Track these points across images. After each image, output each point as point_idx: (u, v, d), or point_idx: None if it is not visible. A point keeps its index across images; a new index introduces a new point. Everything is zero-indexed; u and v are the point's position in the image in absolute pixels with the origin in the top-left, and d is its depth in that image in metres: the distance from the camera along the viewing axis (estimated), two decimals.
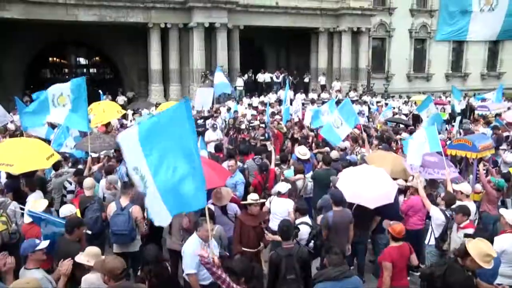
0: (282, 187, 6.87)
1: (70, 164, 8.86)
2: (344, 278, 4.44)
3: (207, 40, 23.21)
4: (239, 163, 8.65)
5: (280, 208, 6.68)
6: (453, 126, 14.14)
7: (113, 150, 9.24)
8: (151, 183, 4.11)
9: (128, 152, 4.22)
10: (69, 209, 5.92)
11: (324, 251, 5.01)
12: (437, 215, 6.23)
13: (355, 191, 6.28)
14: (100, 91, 16.57)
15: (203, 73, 22.21)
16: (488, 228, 7.20)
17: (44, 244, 4.75)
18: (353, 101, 20.89)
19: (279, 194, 6.83)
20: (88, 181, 6.96)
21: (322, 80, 25.71)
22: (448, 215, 6.22)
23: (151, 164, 4.10)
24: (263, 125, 13.29)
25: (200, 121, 14.59)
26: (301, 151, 9.20)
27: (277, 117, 14.98)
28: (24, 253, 4.66)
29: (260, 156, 9.45)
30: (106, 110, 12.13)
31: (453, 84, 26.37)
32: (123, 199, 6.28)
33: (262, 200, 6.38)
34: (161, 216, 4.23)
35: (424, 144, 7.62)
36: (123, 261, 4.23)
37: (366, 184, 6.37)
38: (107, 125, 12.24)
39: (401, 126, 14.14)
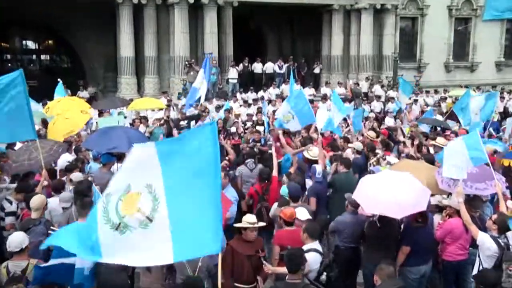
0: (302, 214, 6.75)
1: (10, 178, 8.67)
2: None
3: (192, 20, 23.24)
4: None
5: None
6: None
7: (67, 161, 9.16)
8: (163, 207, 4.34)
9: (142, 166, 4.46)
10: (21, 238, 5.74)
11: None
12: (487, 244, 6.08)
13: (377, 200, 6.25)
14: (59, 80, 16.32)
15: (186, 62, 22.21)
16: None
17: None
18: (376, 97, 21.08)
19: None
20: (36, 200, 6.78)
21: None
22: (502, 244, 6.07)
23: (168, 187, 4.38)
24: (262, 128, 13.27)
25: (183, 123, 14.59)
26: (312, 152, 9.29)
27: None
28: None
29: (253, 160, 9.50)
30: (70, 114, 11.98)
31: (506, 75, 25.91)
32: (81, 222, 6.16)
33: (261, 224, 6.35)
34: (160, 256, 4.36)
35: (464, 158, 7.40)
36: None
37: (390, 190, 6.31)
38: None
39: (438, 129, 14.11)
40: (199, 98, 15.34)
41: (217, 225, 4.34)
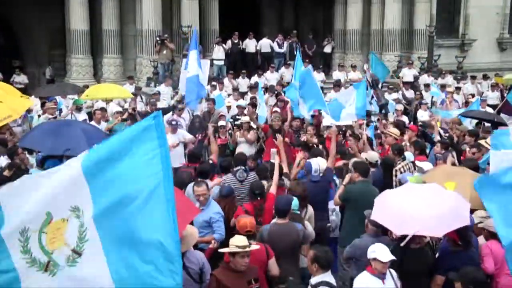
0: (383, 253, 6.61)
1: None
2: None
3: None
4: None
5: None
6: None
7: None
8: (93, 235, 4.34)
9: (63, 188, 4.45)
10: None
11: None
12: None
13: (407, 217, 6.33)
14: None
15: (158, 38, 22.21)
16: None
17: None
18: (405, 84, 21.12)
19: None
20: None
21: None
22: None
23: (99, 209, 4.37)
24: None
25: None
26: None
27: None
28: None
29: (243, 168, 9.48)
30: (5, 98, 11.96)
31: None
32: None
33: (254, 247, 6.34)
34: None
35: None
36: None
37: (422, 204, 6.41)
38: None
39: (487, 124, 14.13)
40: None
41: (172, 251, 4.27)
